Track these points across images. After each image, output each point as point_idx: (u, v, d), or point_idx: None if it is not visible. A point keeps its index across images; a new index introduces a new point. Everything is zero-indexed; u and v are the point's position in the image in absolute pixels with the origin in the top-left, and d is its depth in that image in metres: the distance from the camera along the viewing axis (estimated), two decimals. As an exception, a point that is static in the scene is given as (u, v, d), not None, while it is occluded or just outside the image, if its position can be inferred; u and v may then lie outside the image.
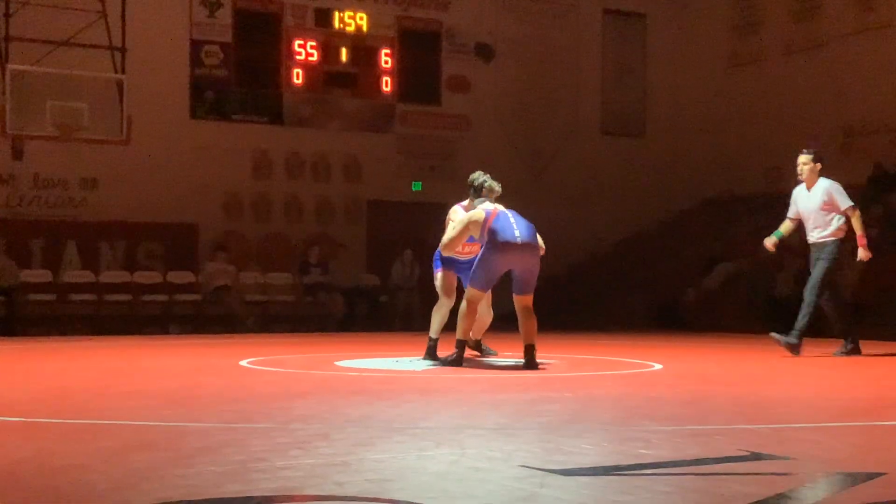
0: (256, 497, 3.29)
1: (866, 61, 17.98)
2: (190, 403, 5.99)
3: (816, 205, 9.55)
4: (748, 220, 18.75)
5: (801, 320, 9.41)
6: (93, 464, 3.87)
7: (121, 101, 14.92)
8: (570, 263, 19.01)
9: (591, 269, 19.26)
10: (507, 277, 8.31)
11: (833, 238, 9.52)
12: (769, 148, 19.32)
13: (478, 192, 8.47)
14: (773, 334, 9.62)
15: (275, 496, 3.33)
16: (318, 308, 16.71)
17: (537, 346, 8.18)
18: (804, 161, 9.56)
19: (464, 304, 8.26)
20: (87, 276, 15.79)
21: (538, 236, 8.23)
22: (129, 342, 12.65)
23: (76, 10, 15.85)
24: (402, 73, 19.01)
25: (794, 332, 9.45)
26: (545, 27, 20.20)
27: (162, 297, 15.87)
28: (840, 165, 18.39)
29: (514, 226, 8.10)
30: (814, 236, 9.61)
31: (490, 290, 8.55)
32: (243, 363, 8.81)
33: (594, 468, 3.81)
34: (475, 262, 8.27)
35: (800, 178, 9.62)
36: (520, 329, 8.20)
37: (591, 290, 18.31)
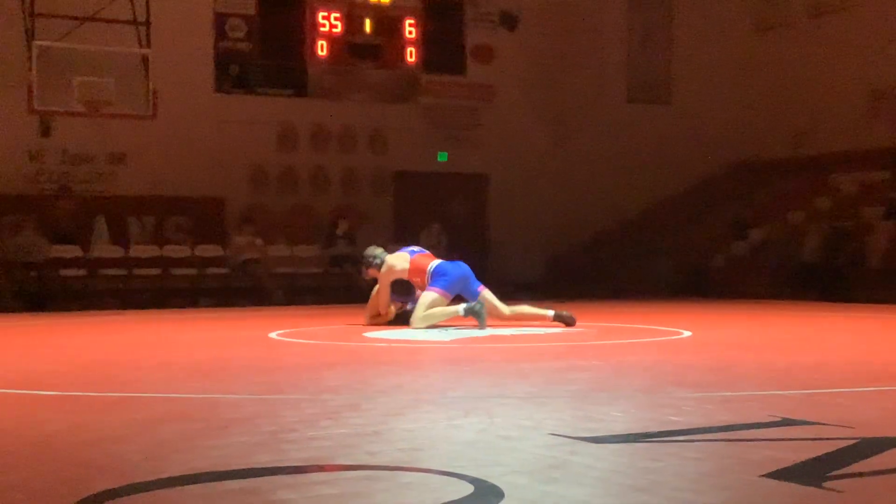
0: (288, 467, 3.31)
1: (894, 22, 17.73)
2: (220, 375, 6.04)
3: None
4: (776, 186, 18.60)
5: None
6: (126, 435, 3.91)
7: (146, 75, 14.93)
8: (597, 230, 18.91)
9: (617, 236, 19.18)
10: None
11: None
12: (796, 112, 19.14)
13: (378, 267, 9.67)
14: None
15: (306, 466, 3.35)
16: (345, 279, 16.73)
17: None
18: None
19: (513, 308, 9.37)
20: (116, 251, 15.88)
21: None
22: (158, 316, 12.74)
23: (100, -16, 15.83)
24: (426, 43, 18.86)
25: None
26: (569, -6, 20.02)
27: (191, 271, 15.93)
28: (868, 129, 18.31)
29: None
30: None
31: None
32: (272, 335, 8.86)
33: (624, 435, 3.81)
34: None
35: None
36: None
37: (617, 257, 18.25)
